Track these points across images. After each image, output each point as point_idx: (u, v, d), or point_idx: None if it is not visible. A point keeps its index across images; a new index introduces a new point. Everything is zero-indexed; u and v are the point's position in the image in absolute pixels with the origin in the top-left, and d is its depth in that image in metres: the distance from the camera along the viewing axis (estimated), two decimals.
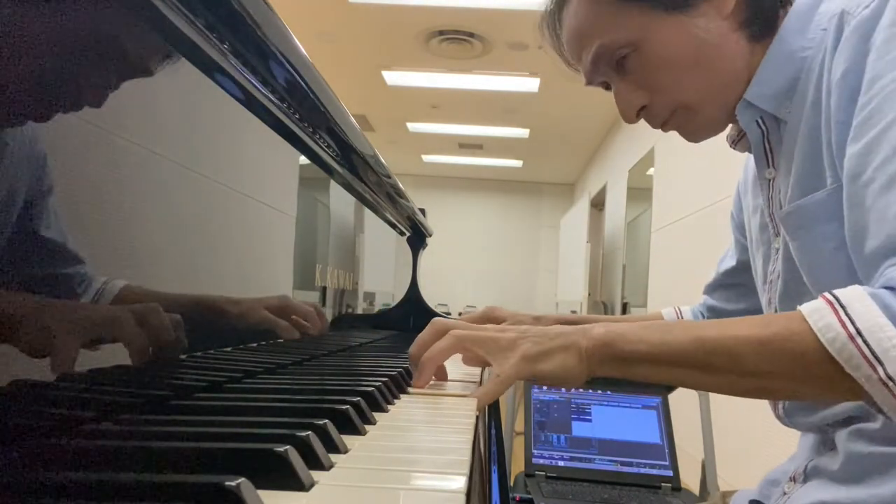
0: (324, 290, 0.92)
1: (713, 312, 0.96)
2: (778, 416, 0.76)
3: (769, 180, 0.71)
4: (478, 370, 0.81)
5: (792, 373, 0.52)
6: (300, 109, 0.70)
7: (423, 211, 1.54)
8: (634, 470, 1.55)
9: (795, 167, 0.64)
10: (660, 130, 0.72)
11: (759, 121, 0.68)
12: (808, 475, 0.69)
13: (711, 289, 0.97)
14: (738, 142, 0.75)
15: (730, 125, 0.73)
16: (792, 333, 0.51)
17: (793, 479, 0.71)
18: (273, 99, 0.64)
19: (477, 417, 0.55)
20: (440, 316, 1.55)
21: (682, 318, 1.00)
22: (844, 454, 0.64)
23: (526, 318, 0.91)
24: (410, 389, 0.67)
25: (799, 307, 0.52)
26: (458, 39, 4.29)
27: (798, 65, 0.63)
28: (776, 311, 0.71)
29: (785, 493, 0.71)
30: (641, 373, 0.58)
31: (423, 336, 0.66)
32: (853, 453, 0.63)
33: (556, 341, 0.60)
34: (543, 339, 0.61)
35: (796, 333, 0.51)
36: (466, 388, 0.68)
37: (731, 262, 0.92)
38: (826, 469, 0.67)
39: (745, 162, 0.85)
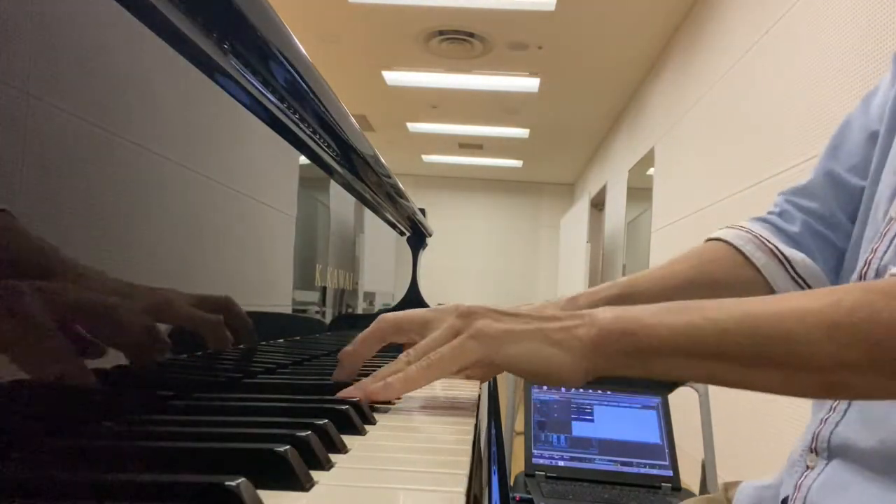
0: (324, 290, 0.92)
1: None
2: None
3: None
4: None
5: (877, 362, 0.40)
6: (300, 109, 0.70)
7: (423, 211, 1.54)
8: (634, 470, 1.55)
9: None
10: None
11: None
12: (832, 450, 0.57)
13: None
14: None
15: None
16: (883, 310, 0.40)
17: (813, 451, 0.59)
18: (273, 99, 0.64)
19: (477, 417, 0.55)
20: None
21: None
22: (886, 432, 0.51)
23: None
24: None
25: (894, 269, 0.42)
26: (458, 39, 4.30)
27: None
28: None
29: (809, 467, 0.59)
30: (662, 369, 0.46)
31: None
32: None
33: (533, 325, 0.48)
34: (509, 321, 0.49)
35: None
36: (466, 389, 0.68)
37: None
38: (856, 447, 0.54)
39: (883, 79, 0.70)
